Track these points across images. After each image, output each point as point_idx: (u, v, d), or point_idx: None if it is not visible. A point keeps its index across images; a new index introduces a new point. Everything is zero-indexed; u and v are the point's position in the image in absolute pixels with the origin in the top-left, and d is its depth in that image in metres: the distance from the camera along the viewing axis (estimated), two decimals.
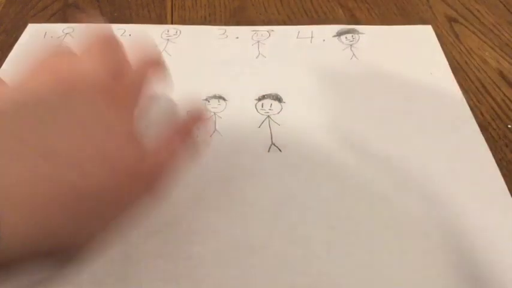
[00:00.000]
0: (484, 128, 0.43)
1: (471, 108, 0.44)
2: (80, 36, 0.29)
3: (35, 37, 0.52)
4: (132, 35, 0.52)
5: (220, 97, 0.45)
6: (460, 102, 0.44)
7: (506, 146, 0.41)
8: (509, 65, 0.50)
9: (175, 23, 0.55)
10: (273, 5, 0.58)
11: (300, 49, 0.51)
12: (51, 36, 0.52)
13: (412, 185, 0.37)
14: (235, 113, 0.43)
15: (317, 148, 0.40)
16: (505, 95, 0.46)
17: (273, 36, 0.52)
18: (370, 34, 0.53)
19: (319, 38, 0.52)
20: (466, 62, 0.50)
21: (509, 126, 0.43)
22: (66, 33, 0.52)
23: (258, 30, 0.53)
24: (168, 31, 0.53)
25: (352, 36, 0.52)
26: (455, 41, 0.53)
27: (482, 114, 0.44)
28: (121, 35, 0.52)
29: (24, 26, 0.53)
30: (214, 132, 0.41)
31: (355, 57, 0.49)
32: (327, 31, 0.53)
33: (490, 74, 0.49)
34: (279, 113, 0.43)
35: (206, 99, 0.44)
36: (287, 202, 0.36)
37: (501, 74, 0.49)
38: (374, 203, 0.36)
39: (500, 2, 0.59)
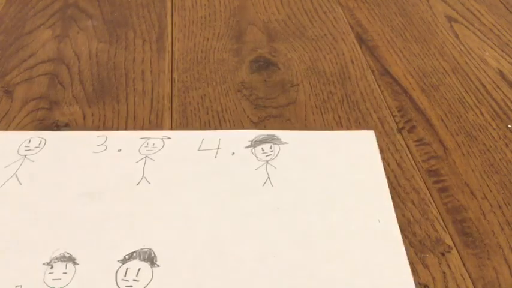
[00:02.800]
0: (484, 128, 0.43)
1: (471, 108, 0.44)
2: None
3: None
4: None
5: (70, 258, 0.32)
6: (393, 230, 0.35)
7: (506, 146, 0.41)
8: (509, 65, 0.50)
9: (175, 23, 0.55)
10: (273, 4, 0.58)
11: (200, 169, 0.39)
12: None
13: None
14: (87, 284, 0.31)
15: None
16: (505, 95, 0.46)
17: (168, 146, 0.40)
18: (294, 144, 0.41)
19: (228, 151, 0.40)
20: (466, 62, 0.50)
21: (509, 126, 0.43)
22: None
23: (150, 138, 0.41)
24: (29, 141, 0.40)
25: (271, 147, 0.40)
26: (455, 41, 0.53)
27: (482, 114, 0.44)
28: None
29: (24, 26, 0.53)
30: None
31: (270, 182, 0.38)
32: (239, 139, 0.41)
33: (490, 74, 0.49)
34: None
35: (49, 264, 0.31)
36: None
37: (501, 74, 0.49)
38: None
39: (500, 2, 0.59)
